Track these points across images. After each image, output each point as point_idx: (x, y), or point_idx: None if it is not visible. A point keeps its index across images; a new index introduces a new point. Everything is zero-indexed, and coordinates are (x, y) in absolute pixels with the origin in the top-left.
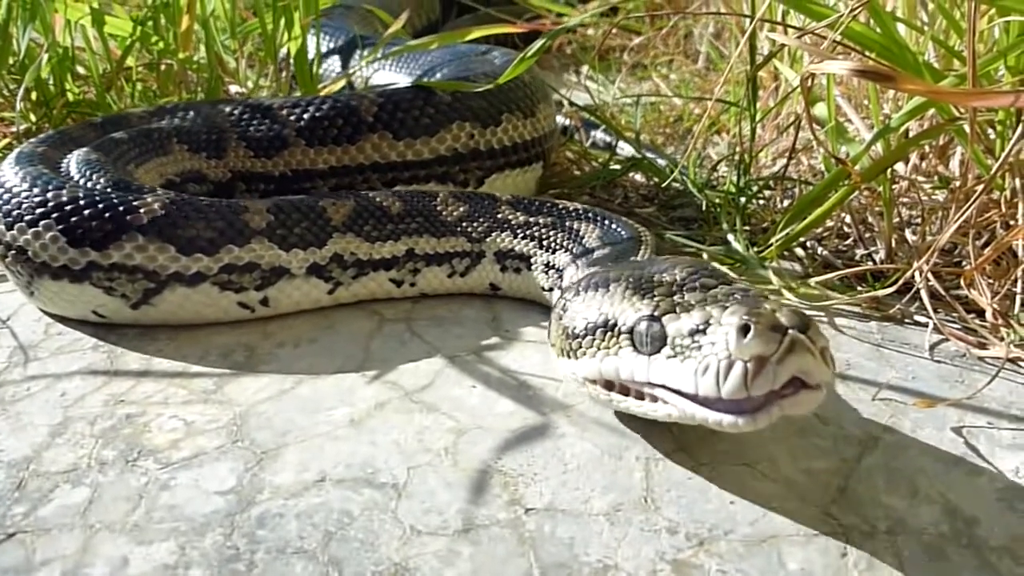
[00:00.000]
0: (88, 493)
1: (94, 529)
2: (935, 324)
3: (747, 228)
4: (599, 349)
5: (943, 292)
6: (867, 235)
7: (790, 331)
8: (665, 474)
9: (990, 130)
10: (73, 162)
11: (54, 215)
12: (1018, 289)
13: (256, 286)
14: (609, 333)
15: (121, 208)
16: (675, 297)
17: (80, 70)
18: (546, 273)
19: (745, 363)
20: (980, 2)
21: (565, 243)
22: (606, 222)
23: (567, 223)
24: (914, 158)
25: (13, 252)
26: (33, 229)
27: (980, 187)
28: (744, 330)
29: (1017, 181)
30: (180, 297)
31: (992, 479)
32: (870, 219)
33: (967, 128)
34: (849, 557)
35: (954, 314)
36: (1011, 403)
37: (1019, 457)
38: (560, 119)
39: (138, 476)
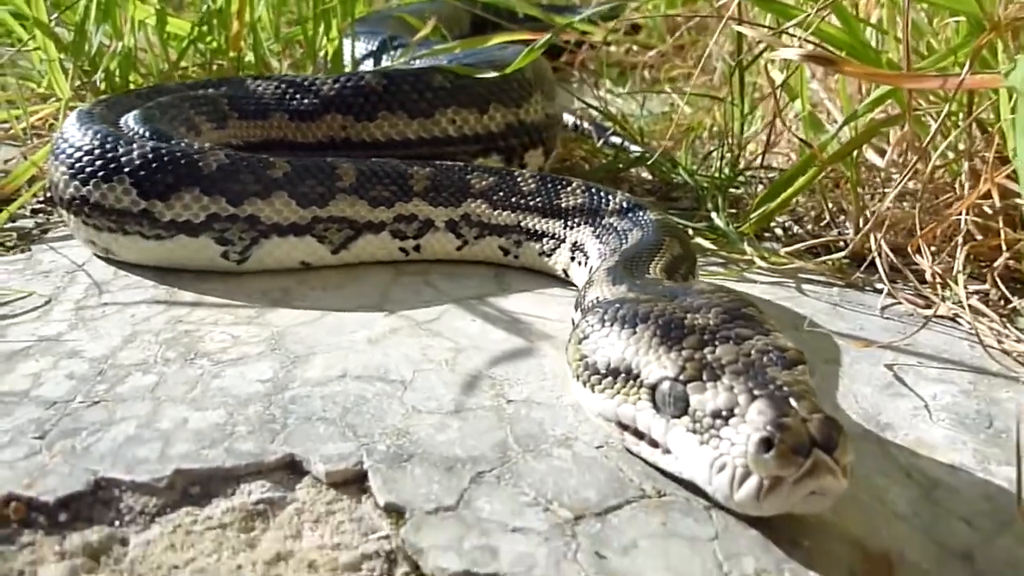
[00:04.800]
0: (155, 379)
1: (160, 400)
2: (888, 289)
3: (732, 211)
4: (618, 393)
5: (900, 266)
6: (840, 219)
7: (814, 451)
8: None
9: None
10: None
11: (284, 184)
12: (959, 255)
13: (414, 235)
14: (631, 381)
15: (328, 173)
16: (705, 352)
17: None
18: (589, 271)
19: (761, 478)
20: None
21: (611, 250)
22: (649, 231)
23: (632, 232)
24: (891, 153)
25: (239, 223)
26: (264, 199)
27: (923, 165)
28: (766, 444)
29: (965, 164)
30: (366, 242)
31: (911, 401)
32: (845, 206)
33: (925, 118)
34: None
35: (908, 283)
36: (943, 350)
37: (939, 387)
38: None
39: (195, 369)
